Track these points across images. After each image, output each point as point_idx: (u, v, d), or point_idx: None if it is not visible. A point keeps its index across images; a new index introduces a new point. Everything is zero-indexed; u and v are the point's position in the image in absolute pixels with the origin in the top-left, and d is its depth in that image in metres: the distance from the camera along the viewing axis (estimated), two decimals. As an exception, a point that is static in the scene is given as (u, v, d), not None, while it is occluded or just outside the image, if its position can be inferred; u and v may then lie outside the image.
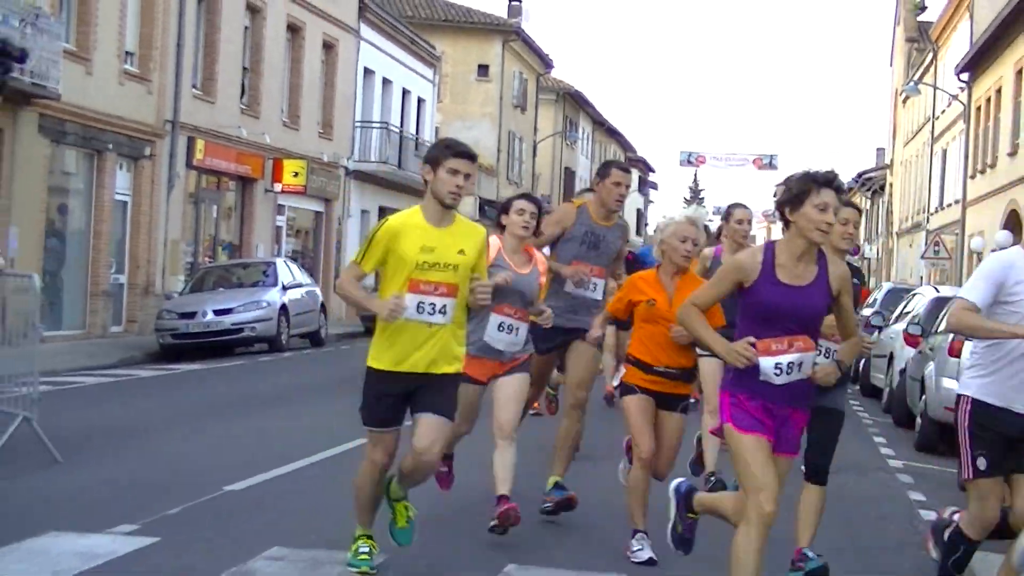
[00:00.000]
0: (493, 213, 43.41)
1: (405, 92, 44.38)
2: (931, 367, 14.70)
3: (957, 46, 43.74)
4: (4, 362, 10.82)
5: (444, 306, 6.56)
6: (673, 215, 7.77)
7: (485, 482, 10.28)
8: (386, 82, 42.30)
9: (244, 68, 32.06)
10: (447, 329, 6.63)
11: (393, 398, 6.70)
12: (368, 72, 40.48)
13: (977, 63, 38.72)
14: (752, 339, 5.86)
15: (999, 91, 36.45)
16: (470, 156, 6.63)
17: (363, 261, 6.63)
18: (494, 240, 7.93)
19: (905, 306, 19.16)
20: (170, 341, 23.40)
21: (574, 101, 68.48)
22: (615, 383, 7.90)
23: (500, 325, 7.87)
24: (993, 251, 34.79)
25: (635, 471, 7.73)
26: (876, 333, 16.00)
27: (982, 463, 6.28)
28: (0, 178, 22.00)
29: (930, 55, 50.45)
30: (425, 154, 6.75)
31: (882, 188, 66.81)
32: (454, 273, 6.59)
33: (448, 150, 6.62)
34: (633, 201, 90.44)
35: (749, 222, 10.19)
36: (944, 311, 16.15)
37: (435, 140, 47.65)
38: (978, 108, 39.67)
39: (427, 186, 6.63)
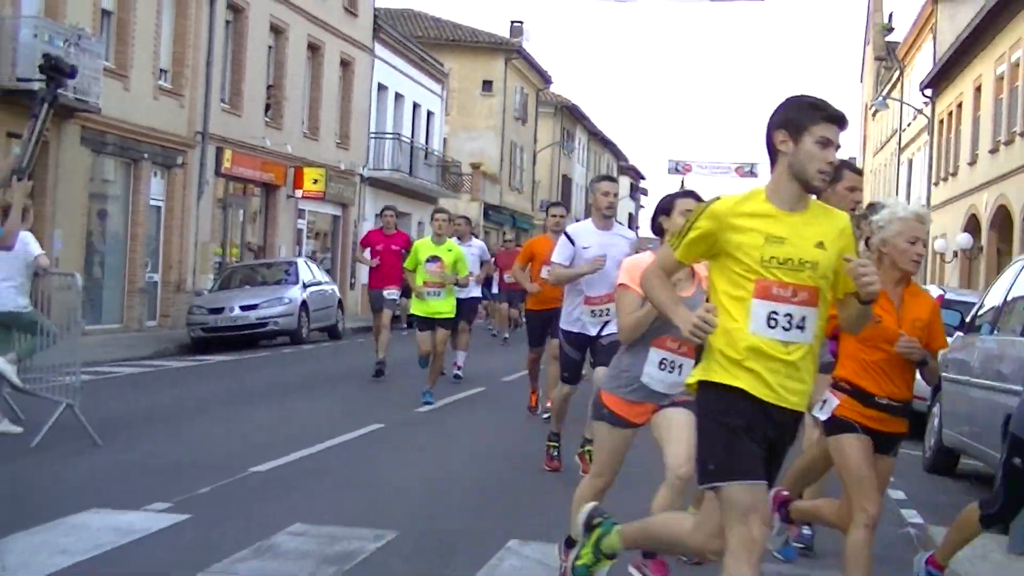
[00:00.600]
0: (497, 217, 42.77)
1: (416, 106, 44.36)
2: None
3: (922, 65, 43.71)
4: (49, 353, 10.85)
5: (803, 318, 4.41)
6: (895, 209, 5.74)
7: (492, 463, 10.30)
8: (398, 96, 42.28)
9: (268, 84, 32.08)
10: (808, 350, 4.46)
11: (758, 433, 4.42)
12: (382, 87, 40.47)
13: (940, 80, 38.72)
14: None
15: (960, 106, 36.46)
16: (844, 121, 4.49)
17: (680, 249, 4.53)
18: (646, 253, 6.31)
19: (874, 303, 19.10)
20: (200, 334, 23.38)
21: (571, 114, 68.45)
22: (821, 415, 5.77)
23: (661, 362, 5.85)
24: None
25: (857, 536, 5.55)
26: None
27: None
28: (45, 185, 21.99)
29: (897, 73, 50.42)
30: (777, 115, 4.54)
31: (853, 194, 66.77)
32: (812, 274, 4.42)
33: (817, 112, 4.45)
34: (625, 206, 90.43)
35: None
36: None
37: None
38: (941, 121, 39.66)
39: (777, 158, 4.49)
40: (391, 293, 16.60)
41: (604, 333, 9.00)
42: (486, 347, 22.19)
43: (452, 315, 14.21)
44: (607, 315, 8.90)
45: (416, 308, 14.00)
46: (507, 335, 25.33)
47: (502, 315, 25.80)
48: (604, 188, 9.36)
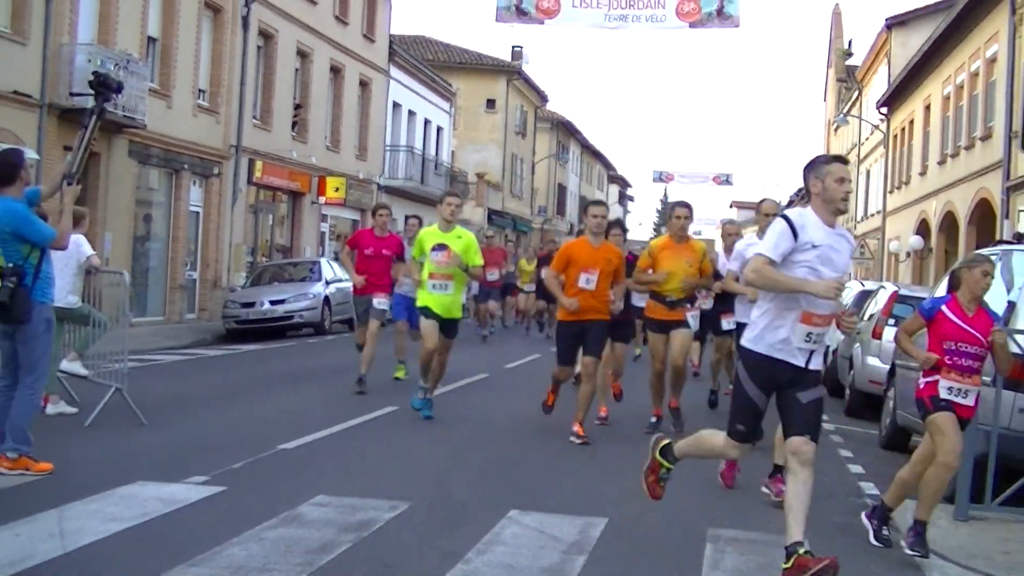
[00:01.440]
0: (499, 221, 42.40)
1: (426, 121, 44.34)
2: (857, 347, 14.69)
3: (878, 85, 43.67)
4: (100, 343, 10.87)
5: None
6: None
7: (495, 441, 10.30)
8: (411, 113, 42.25)
9: (295, 103, 32.06)
10: None
11: None
12: (396, 105, 40.45)
13: (894, 100, 38.72)
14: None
15: (911, 122, 36.46)
16: None
17: None
18: None
19: (835, 298, 19.08)
20: (234, 326, 23.41)
21: (565, 129, 68.42)
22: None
23: None
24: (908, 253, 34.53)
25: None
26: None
27: None
28: (97, 193, 22.03)
29: (856, 92, 50.37)
30: None
31: (817, 201, 66.71)
32: None
33: None
34: (613, 211, 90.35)
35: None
36: (867, 302, 16.15)
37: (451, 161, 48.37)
38: (895, 136, 39.65)
39: None
40: (381, 302, 13.41)
41: (811, 367, 5.84)
42: (480, 340, 22.09)
43: (458, 316, 11.21)
44: (821, 342, 5.87)
45: (423, 300, 11.03)
46: (485, 333, 23.00)
47: (481, 312, 23.27)
48: (838, 172, 5.83)
